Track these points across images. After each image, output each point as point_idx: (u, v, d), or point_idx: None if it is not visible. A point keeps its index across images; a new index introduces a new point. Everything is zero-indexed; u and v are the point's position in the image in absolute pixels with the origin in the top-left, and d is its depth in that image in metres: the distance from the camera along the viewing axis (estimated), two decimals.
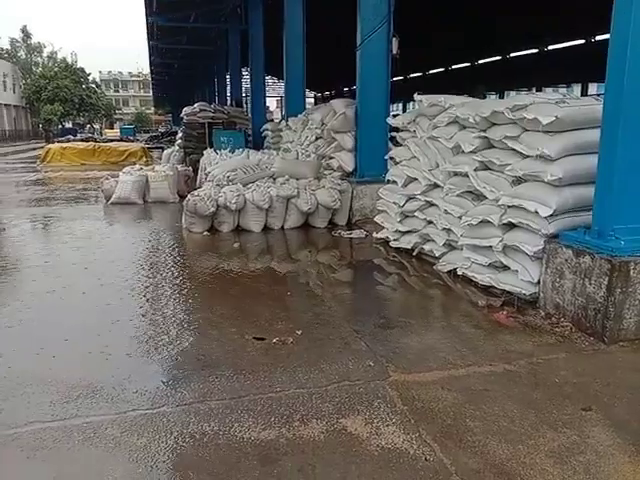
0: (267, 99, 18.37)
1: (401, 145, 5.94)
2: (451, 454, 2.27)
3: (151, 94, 62.46)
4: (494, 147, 4.44)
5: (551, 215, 3.76)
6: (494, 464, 2.20)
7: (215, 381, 2.90)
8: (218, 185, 7.48)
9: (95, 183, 12.45)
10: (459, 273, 4.76)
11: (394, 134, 6.16)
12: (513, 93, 28.51)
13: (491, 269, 4.39)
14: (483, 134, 4.47)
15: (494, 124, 4.41)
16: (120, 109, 72.59)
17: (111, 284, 4.68)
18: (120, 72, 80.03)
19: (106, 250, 6.01)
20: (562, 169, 3.74)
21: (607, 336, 3.35)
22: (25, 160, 21.96)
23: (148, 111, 74.04)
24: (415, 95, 5.58)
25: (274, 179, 7.64)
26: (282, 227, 7.16)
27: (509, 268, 4.18)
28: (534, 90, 27.25)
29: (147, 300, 4.28)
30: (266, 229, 7.04)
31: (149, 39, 18.90)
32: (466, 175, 4.63)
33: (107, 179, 9.69)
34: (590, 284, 3.42)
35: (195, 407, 2.64)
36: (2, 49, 53.17)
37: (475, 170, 4.49)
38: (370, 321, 3.87)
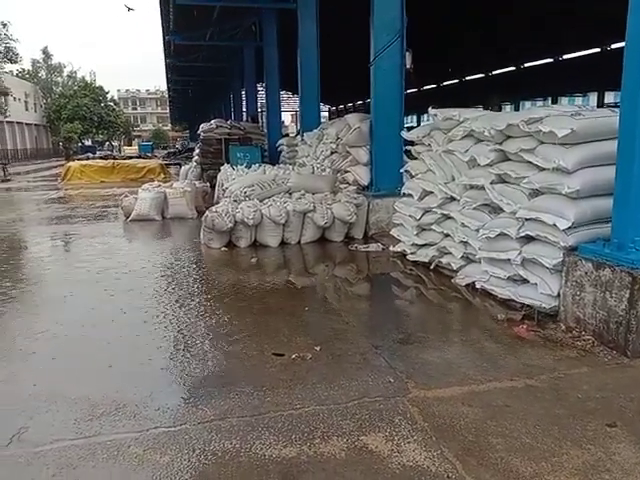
0: (282, 113, 18.53)
1: (416, 158, 5.96)
2: (473, 472, 2.25)
3: (168, 111, 63.46)
4: (510, 160, 4.44)
5: (569, 227, 3.74)
6: None
7: (236, 398, 2.92)
8: (235, 201, 7.56)
9: (114, 200, 12.66)
10: (477, 286, 4.73)
11: (409, 147, 6.17)
12: (528, 103, 28.42)
13: (510, 282, 4.36)
14: (499, 147, 4.47)
15: (509, 137, 4.41)
16: (138, 126, 73.88)
17: (129, 304, 4.74)
18: (138, 90, 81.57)
19: (125, 269, 6.09)
20: (579, 181, 3.72)
21: (630, 349, 3.30)
22: (46, 178, 22.41)
23: (165, 128, 75.19)
24: (429, 109, 5.61)
25: (290, 194, 7.71)
26: (299, 242, 7.20)
27: (528, 281, 4.15)
28: (549, 100, 27.22)
29: (167, 315, 4.33)
30: (283, 244, 7.09)
31: (166, 57, 19.25)
32: (482, 188, 4.63)
33: (126, 196, 9.84)
34: (611, 297, 3.38)
35: (216, 424, 2.66)
36: (24, 70, 54.48)
37: (491, 183, 4.49)
38: (389, 336, 3.87)
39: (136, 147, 51.87)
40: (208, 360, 3.45)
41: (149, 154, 34.72)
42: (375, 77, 7.32)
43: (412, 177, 5.93)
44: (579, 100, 27.43)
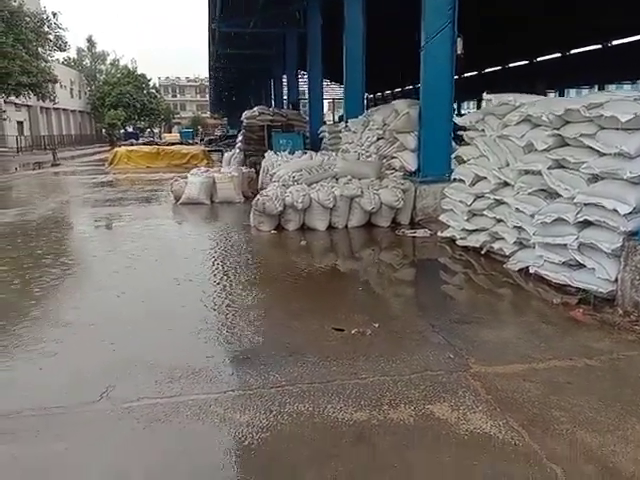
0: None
1: (468, 144, 5.99)
2: (539, 441, 2.35)
3: (207, 98, 64.23)
4: (568, 145, 4.44)
5: (630, 213, 3.74)
6: (584, 451, 2.27)
7: (303, 366, 3.09)
8: (284, 185, 7.72)
9: (162, 184, 13.05)
10: (531, 271, 4.76)
11: (460, 133, 6.20)
12: (573, 91, 27.63)
13: (565, 267, 4.38)
14: (557, 132, 4.47)
15: (568, 122, 4.41)
16: (178, 113, 74.99)
17: (192, 279, 4.96)
18: (178, 77, 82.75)
19: (184, 247, 6.33)
20: None
21: None
22: (93, 163, 23.15)
23: (204, 115, 76.18)
24: (484, 94, 5.62)
25: (337, 179, 7.82)
26: (346, 226, 7.32)
27: (584, 266, 4.17)
28: (596, 87, 26.41)
29: (229, 294, 4.52)
30: (330, 228, 7.22)
31: (210, 44, 19.52)
32: (538, 173, 4.64)
33: (176, 180, 10.15)
34: None
35: (288, 389, 2.83)
36: (70, 58, 56.03)
37: (549, 168, 4.50)
38: (444, 316, 3.97)
39: (176, 134, 52.67)
40: (273, 333, 3.62)
41: (190, 140, 35.29)
42: (425, 63, 7.32)
43: (463, 162, 5.95)
44: (628, 87, 26.53)
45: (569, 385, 2.86)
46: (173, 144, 27.49)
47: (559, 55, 26.04)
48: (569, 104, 4.29)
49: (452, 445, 2.34)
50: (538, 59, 27.42)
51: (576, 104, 4.20)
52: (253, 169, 12.23)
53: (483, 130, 5.58)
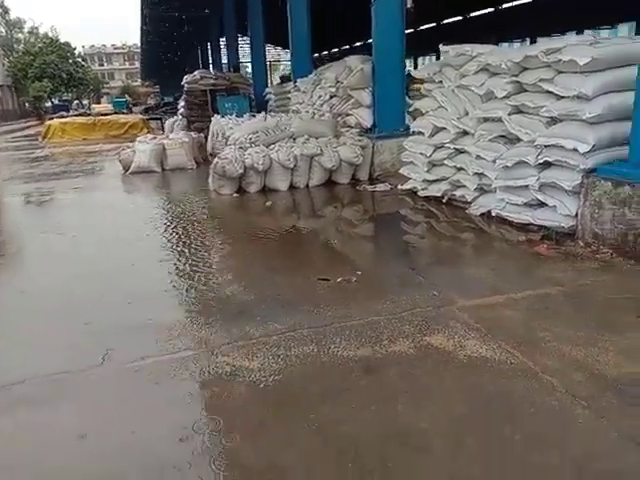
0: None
1: (425, 96, 6.11)
2: (532, 358, 2.56)
3: (137, 66, 61.34)
4: (526, 91, 4.63)
5: (589, 151, 4.00)
6: (572, 363, 2.50)
7: (298, 314, 3.18)
8: (241, 148, 7.63)
9: (105, 156, 12.58)
10: (493, 214, 5.01)
11: (418, 86, 6.31)
12: (505, 45, 28.19)
13: (527, 207, 4.64)
14: (515, 79, 4.65)
15: (526, 69, 4.59)
16: (107, 83, 71.29)
17: (167, 245, 4.92)
18: (104, 45, 78.26)
19: (148, 215, 6.20)
20: (599, 107, 3.95)
21: None
22: (25, 138, 21.81)
23: (134, 83, 72.79)
24: (440, 46, 5.72)
25: (294, 139, 7.80)
26: (307, 185, 7.35)
27: (545, 205, 4.44)
28: (528, 41, 27.11)
29: (206, 256, 4.51)
30: (292, 188, 7.24)
31: (142, 6, 18.60)
32: (498, 120, 4.83)
33: (123, 149, 9.81)
34: (630, 211, 3.68)
35: (290, 335, 2.92)
36: None
37: (509, 114, 4.69)
38: (420, 260, 4.16)
39: (106, 105, 50.18)
40: (260, 287, 3.68)
41: (124, 110, 33.73)
42: (376, 17, 7.32)
43: (422, 115, 6.08)
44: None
45: (547, 310, 3.10)
46: (106, 114, 26.25)
47: (492, 10, 26.40)
48: (527, 51, 4.46)
49: (454, 369, 2.52)
50: (471, 15, 27.63)
51: (534, 50, 4.38)
52: (202, 134, 11.97)
53: (441, 82, 5.71)
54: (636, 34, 22.21)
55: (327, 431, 2.10)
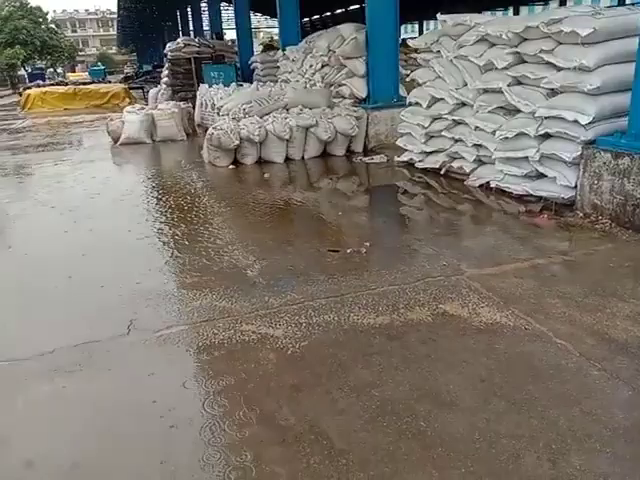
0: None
1: (422, 66, 6.12)
2: (545, 324, 2.69)
3: (113, 33, 59.47)
4: (526, 62, 4.69)
5: (589, 123, 4.09)
6: (583, 328, 2.64)
7: (315, 284, 3.26)
8: (234, 118, 7.58)
9: (90, 127, 12.37)
10: (492, 186, 5.11)
11: (414, 56, 6.30)
12: (488, 13, 27.98)
13: (526, 179, 4.75)
14: (515, 50, 4.69)
15: (526, 39, 4.64)
16: (82, 50, 69.09)
17: (172, 218, 4.93)
18: (76, 10, 75.51)
19: (147, 187, 6.17)
20: (600, 78, 4.04)
21: None
22: (1, 108, 21.23)
23: (110, 51, 70.69)
24: (438, 15, 5.71)
25: (287, 110, 7.76)
26: (302, 157, 7.35)
27: (545, 176, 4.55)
28: (511, 10, 26.95)
29: (214, 228, 4.55)
30: (287, 160, 7.24)
31: None
32: (498, 91, 4.89)
33: (112, 120, 9.65)
34: (629, 182, 3.81)
35: (309, 304, 3.01)
36: None
37: (508, 85, 4.75)
38: (426, 231, 4.26)
39: (81, 73, 48.80)
40: (272, 259, 3.74)
41: (102, 79, 32.85)
42: None
43: (419, 86, 6.10)
44: (539, 9, 27.28)
45: (554, 277, 3.23)
46: (84, 84, 25.57)
47: None
48: (528, 21, 4.49)
49: (472, 334, 2.64)
50: None
51: (535, 21, 4.42)
52: (190, 104, 11.80)
53: (439, 52, 5.72)
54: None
55: (361, 392, 2.21)
